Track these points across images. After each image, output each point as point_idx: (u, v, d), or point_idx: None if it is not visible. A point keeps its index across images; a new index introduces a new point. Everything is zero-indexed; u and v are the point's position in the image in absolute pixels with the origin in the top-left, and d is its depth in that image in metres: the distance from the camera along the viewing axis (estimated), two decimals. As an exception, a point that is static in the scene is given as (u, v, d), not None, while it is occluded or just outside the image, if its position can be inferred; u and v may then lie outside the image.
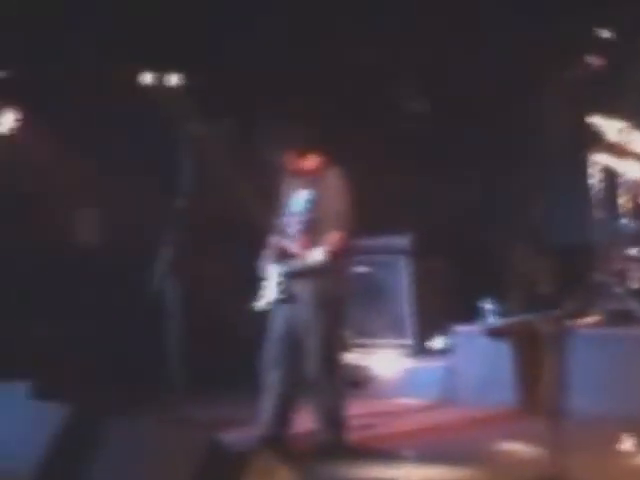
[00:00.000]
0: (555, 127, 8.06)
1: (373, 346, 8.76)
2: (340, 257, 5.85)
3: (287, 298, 6.04)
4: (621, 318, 7.32)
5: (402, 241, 8.76)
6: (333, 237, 5.79)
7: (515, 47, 8.52)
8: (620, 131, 7.69)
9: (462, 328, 8.09)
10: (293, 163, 6.21)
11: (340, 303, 6.17)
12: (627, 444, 5.86)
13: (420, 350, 8.59)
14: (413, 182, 9.02)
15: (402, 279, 8.73)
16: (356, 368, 8.31)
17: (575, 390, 6.83)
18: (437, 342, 8.57)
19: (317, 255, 5.69)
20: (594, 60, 7.42)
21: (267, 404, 6.20)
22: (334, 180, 6.11)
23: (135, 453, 4.94)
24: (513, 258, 8.49)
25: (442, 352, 8.37)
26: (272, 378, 6.17)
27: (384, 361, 8.52)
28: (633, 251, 7.51)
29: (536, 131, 8.39)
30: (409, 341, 8.63)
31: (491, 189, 8.93)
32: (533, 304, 7.82)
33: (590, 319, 7.46)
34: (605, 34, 7.57)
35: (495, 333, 7.69)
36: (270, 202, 6.47)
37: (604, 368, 6.96)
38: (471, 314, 8.09)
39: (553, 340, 7.21)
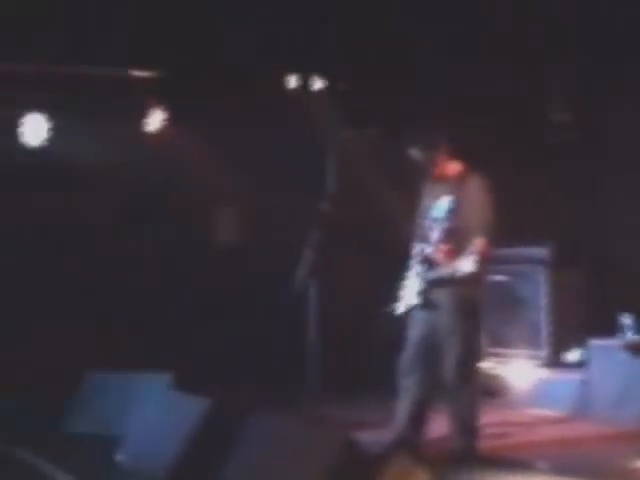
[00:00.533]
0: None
1: (508, 356, 8.75)
2: (483, 266, 5.86)
3: (428, 304, 6.08)
4: None
5: (541, 252, 8.73)
6: (478, 245, 5.79)
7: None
8: None
9: (599, 342, 7.99)
10: (437, 168, 6.24)
11: (479, 311, 6.19)
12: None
13: (555, 362, 8.53)
14: (557, 194, 8.93)
15: (540, 290, 8.68)
16: (491, 377, 8.32)
17: None
18: (573, 355, 8.49)
19: (466, 265, 5.70)
20: None
21: (402, 408, 6.27)
22: (477, 188, 6.12)
23: (271, 450, 5.05)
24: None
25: (578, 365, 8.28)
26: (408, 382, 6.23)
27: (519, 371, 8.50)
28: None
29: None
30: (544, 352, 8.57)
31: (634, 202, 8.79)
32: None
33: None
34: None
35: (633, 348, 7.59)
36: (412, 209, 6.52)
37: None
38: (609, 328, 8.00)
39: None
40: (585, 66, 8.87)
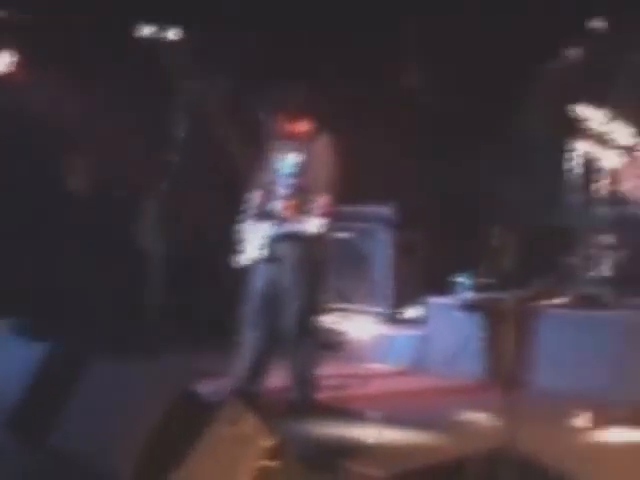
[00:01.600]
0: (537, 114, 8.28)
1: (349, 311, 8.97)
2: (327, 224, 5.98)
3: (271, 258, 6.16)
4: (588, 302, 7.54)
5: (384, 211, 8.93)
6: (321, 203, 5.89)
7: (501, 35, 8.68)
8: (603, 121, 7.88)
9: (437, 300, 8.31)
10: (285, 126, 6.31)
11: (322, 267, 6.32)
12: (580, 420, 6.11)
13: (395, 318, 8.80)
14: (402, 156, 9.15)
15: (381, 248, 8.93)
16: (332, 331, 8.52)
17: (537, 366, 7.14)
18: (412, 312, 8.77)
19: (312, 226, 5.81)
20: (576, 51, 7.59)
21: (243, 358, 6.37)
22: (323, 147, 6.23)
23: (111, 399, 5.06)
24: (487, 236, 8.70)
25: (416, 322, 8.58)
26: (250, 333, 6.32)
27: (359, 326, 8.73)
28: (606, 238, 7.70)
29: (520, 118, 8.60)
30: (385, 309, 8.83)
31: (475, 170, 9.09)
32: (504, 282, 8.06)
33: (557, 300, 7.68)
34: (591, 24, 7.75)
35: (467, 307, 7.90)
36: (258, 161, 6.56)
37: (566, 348, 7.18)
38: (446, 287, 8.31)
39: (519, 317, 7.48)
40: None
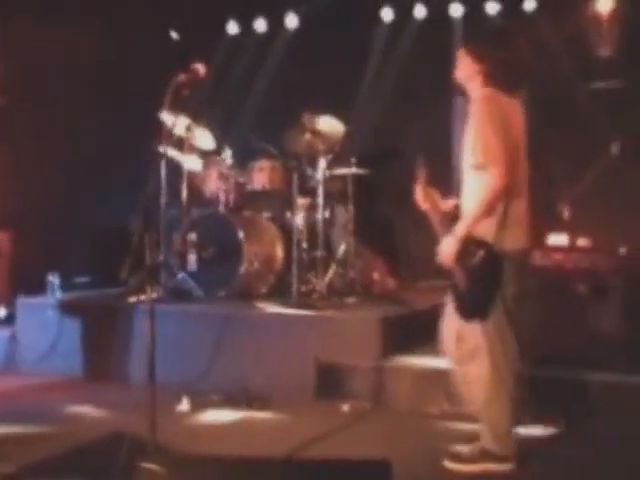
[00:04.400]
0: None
1: None
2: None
3: None
4: (179, 295, 8.07)
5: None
6: None
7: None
8: (186, 127, 8.47)
9: (28, 299, 8.40)
10: None
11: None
12: (184, 406, 6.63)
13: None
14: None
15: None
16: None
17: (134, 360, 7.53)
18: (0, 312, 8.78)
19: None
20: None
21: None
22: None
23: None
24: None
25: (5, 322, 8.60)
26: None
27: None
28: (191, 236, 8.26)
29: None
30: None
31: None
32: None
33: (151, 295, 8.11)
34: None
35: (59, 306, 8.10)
36: None
37: (163, 340, 7.62)
38: (38, 287, 8.44)
39: (119, 313, 7.86)
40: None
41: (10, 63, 9.18)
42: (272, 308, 7.69)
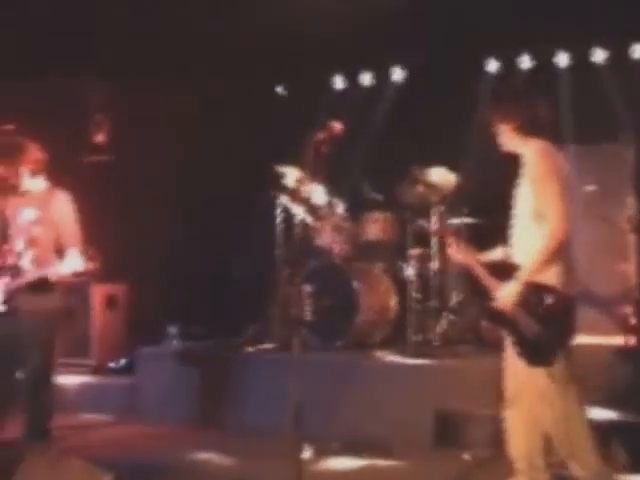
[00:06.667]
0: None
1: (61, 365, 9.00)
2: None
3: (10, 310, 6.16)
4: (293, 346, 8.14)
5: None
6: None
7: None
8: (299, 178, 8.61)
9: (146, 349, 8.60)
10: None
11: (62, 318, 6.38)
12: (306, 454, 6.68)
13: (103, 369, 8.99)
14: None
15: (87, 302, 9.12)
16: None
17: (245, 408, 7.64)
18: (120, 362, 9.00)
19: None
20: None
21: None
22: (62, 201, 6.33)
23: None
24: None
25: (125, 371, 8.82)
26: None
27: (70, 379, 8.80)
28: (307, 287, 8.35)
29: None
30: (93, 360, 9.01)
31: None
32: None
33: (267, 345, 8.26)
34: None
35: (177, 355, 8.27)
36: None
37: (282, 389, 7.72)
38: (157, 337, 8.63)
39: (236, 363, 7.97)
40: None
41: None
42: (389, 357, 7.76)
